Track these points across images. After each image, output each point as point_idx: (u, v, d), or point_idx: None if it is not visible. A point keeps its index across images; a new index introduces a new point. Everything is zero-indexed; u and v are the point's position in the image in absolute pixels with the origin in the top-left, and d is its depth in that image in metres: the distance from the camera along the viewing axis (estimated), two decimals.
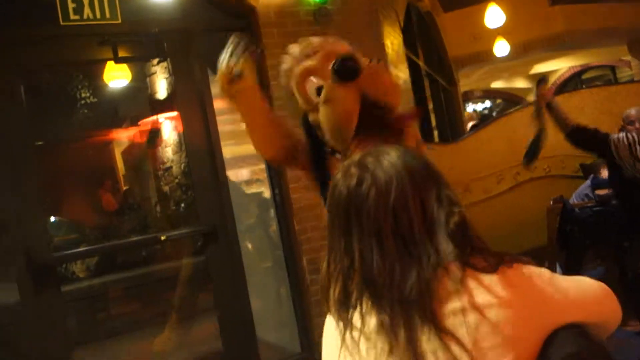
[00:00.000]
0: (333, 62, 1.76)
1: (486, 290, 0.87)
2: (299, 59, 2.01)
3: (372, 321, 0.92)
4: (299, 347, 3.94)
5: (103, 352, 4.79)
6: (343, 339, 0.95)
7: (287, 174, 3.82)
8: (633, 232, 3.18)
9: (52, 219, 5.84)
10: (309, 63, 1.93)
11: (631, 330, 3.12)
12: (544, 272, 0.93)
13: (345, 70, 1.73)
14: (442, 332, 0.86)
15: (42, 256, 3.21)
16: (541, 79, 3.51)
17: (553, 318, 0.87)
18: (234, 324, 3.71)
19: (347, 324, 0.96)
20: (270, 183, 4.00)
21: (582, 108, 5.28)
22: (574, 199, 4.46)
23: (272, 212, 4.07)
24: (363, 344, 0.92)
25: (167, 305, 4.63)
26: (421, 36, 7.02)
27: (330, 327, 1.02)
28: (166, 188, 5.97)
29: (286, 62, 2.04)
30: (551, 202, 4.43)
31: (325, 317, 3.20)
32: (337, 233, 0.99)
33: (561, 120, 3.28)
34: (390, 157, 0.98)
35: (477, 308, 0.86)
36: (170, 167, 5.83)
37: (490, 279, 0.89)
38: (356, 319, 0.95)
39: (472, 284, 0.89)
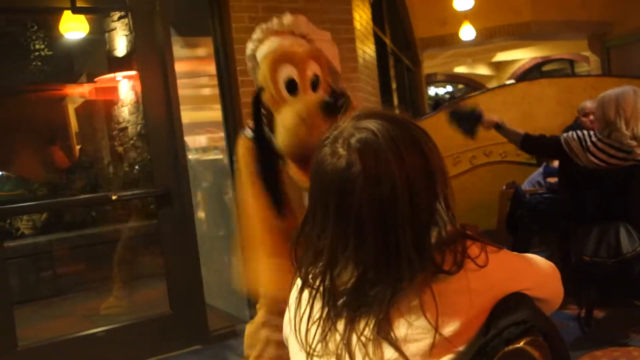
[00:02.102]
0: (325, 98, 1.84)
1: (447, 298, 0.84)
2: (270, 32, 1.98)
3: (316, 307, 0.91)
4: (248, 315, 3.95)
5: (46, 311, 4.70)
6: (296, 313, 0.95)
7: None
8: (578, 220, 3.28)
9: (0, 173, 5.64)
10: (290, 48, 1.92)
11: (570, 314, 3.24)
12: (504, 251, 0.94)
13: (334, 109, 1.78)
14: (385, 340, 0.83)
15: None
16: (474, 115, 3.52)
17: (502, 287, 0.88)
18: (183, 289, 3.68)
19: (299, 302, 0.95)
20: (228, 151, 3.95)
21: (540, 98, 5.39)
22: (526, 185, 4.57)
23: (228, 180, 4.02)
24: (306, 326, 0.92)
25: (115, 267, 4.55)
26: (389, 14, 7.00)
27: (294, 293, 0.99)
28: (120, 149, 5.83)
29: (257, 33, 2.01)
30: (504, 187, 4.53)
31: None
32: (316, 207, 0.91)
33: (512, 136, 3.39)
34: (383, 139, 0.87)
35: (434, 328, 0.82)
36: (126, 128, 5.69)
37: (454, 280, 0.85)
38: (305, 299, 0.93)
39: (438, 290, 0.85)
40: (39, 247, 5.32)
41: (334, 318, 0.88)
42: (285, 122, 1.85)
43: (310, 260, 0.92)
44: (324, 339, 0.89)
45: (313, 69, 1.93)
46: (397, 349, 0.82)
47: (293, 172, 1.92)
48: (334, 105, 1.81)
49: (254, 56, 2.01)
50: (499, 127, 3.40)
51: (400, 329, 0.83)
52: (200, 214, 4.41)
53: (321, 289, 0.90)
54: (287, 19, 1.99)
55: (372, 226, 0.85)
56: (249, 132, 2.03)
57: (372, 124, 0.88)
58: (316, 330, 0.90)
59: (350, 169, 0.86)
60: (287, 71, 1.89)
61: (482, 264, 0.87)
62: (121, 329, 3.57)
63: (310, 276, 0.93)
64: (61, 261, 5.62)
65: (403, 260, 0.84)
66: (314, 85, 1.93)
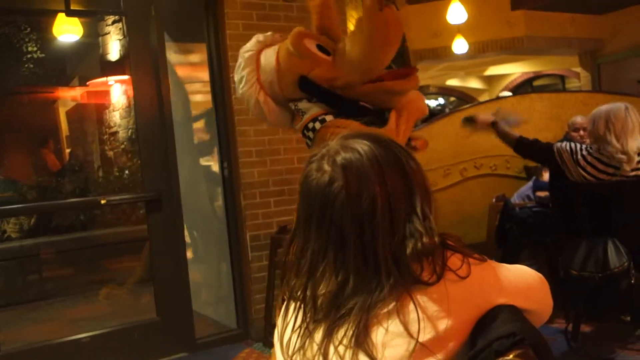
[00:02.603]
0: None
1: (426, 306, 0.85)
2: (252, 56, 2.05)
3: (300, 318, 0.93)
4: (235, 323, 3.93)
5: (31, 314, 4.65)
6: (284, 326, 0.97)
7: (237, 148, 3.77)
8: (567, 234, 3.30)
9: None
10: (300, 28, 2.01)
11: (557, 328, 3.25)
12: (489, 262, 0.95)
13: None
14: (362, 350, 0.84)
15: None
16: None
17: (486, 297, 0.89)
18: (171, 295, 3.66)
19: (285, 314, 0.97)
20: (219, 157, 3.94)
21: (531, 112, 5.42)
22: (515, 199, 4.59)
23: (219, 186, 4.01)
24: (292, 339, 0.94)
25: (103, 272, 4.52)
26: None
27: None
28: (111, 153, 5.80)
29: (243, 60, 2.07)
30: (494, 200, 4.55)
31: (263, 295, 3.15)
32: (300, 221, 0.96)
33: (507, 137, 3.42)
34: (367, 158, 0.91)
35: (410, 336, 0.83)
36: (117, 132, 5.67)
37: (431, 296, 0.86)
38: (291, 311, 0.95)
39: (417, 300, 0.86)
40: (26, 250, 5.26)
41: (312, 327, 0.90)
42: (355, 49, 1.92)
43: (295, 273, 0.95)
44: (301, 347, 0.90)
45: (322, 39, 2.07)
46: (371, 357, 0.83)
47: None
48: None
49: (258, 82, 2.06)
50: (494, 124, 3.43)
51: (378, 336, 0.84)
52: (190, 218, 4.39)
53: (303, 299, 0.93)
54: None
55: (351, 238, 0.88)
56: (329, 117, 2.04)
57: (357, 144, 0.93)
58: (296, 339, 0.92)
59: (332, 184, 0.90)
60: (312, 42, 1.98)
61: (464, 275, 0.88)
62: (106, 334, 3.53)
63: (294, 289, 0.95)
64: (48, 265, 5.57)
65: (382, 270, 0.87)
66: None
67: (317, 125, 2.04)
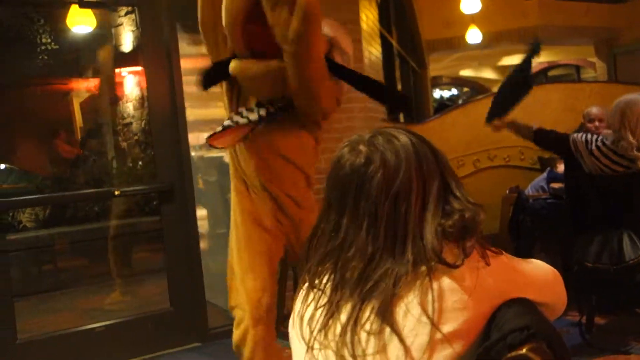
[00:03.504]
0: None
1: (447, 294, 0.86)
2: None
3: (322, 301, 0.94)
4: None
5: (47, 304, 4.70)
6: (307, 312, 0.96)
7: None
8: (581, 227, 3.28)
9: (2, 166, 5.65)
10: None
11: (571, 320, 3.23)
12: (505, 255, 0.96)
13: None
14: (388, 326, 0.85)
15: None
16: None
17: (502, 291, 0.89)
18: (184, 286, 3.68)
19: (305, 300, 0.97)
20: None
21: (546, 103, 5.37)
22: (529, 190, 4.56)
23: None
24: (319, 321, 0.93)
25: (117, 262, 4.55)
26: (396, 15, 6.99)
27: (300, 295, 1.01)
28: (124, 144, 5.83)
29: None
30: (507, 191, 4.52)
31: (275, 286, 3.13)
32: (331, 207, 0.97)
33: (524, 131, 3.40)
34: (402, 141, 0.96)
35: (432, 323, 0.84)
36: (130, 123, 5.69)
37: (455, 276, 0.88)
38: (312, 296, 0.96)
39: (439, 284, 0.87)
40: (41, 241, 5.32)
41: (337, 305, 0.91)
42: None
43: (320, 259, 0.97)
44: (324, 326, 0.91)
45: None
46: (399, 335, 0.84)
47: None
48: None
49: None
50: (510, 125, 3.41)
51: (400, 316, 0.86)
52: (202, 211, 4.41)
53: (329, 283, 0.94)
54: None
55: (385, 214, 0.91)
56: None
57: (393, 131, 0.98)
58: (319, 317, 0.93)
59: (369, 165, 0.94)
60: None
61: (483, 265, 0.89)
62: (121, 324, 3.57)
63: (317, 274, 0.97)
64: (63, 255, 5.63)
65: (409, 248, 0.89)
66: None
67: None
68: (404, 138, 0.96)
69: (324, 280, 0.95)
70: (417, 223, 0.91)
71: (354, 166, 0.95)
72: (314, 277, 0.97)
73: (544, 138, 3.36)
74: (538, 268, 1.01)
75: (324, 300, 0.94)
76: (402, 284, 0.87)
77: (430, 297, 0.85)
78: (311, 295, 0.97)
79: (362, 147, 0.96)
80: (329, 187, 0.99)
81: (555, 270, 1.04)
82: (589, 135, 3.18)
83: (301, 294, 1.00)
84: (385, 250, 0.90)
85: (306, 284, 0.99)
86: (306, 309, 0.97)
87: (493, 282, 0.88)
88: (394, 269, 0.88)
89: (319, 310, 0.93)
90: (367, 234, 0.92)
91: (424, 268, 0.88)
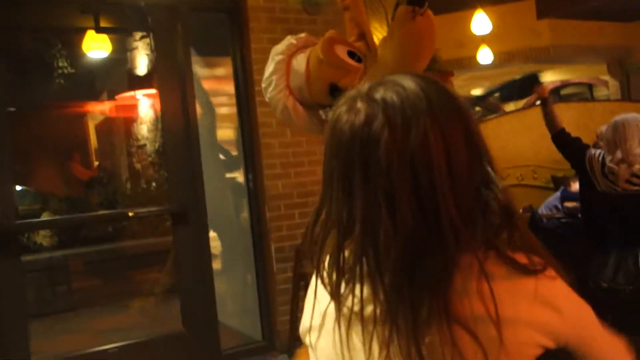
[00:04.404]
0: None
1: (517, 299, 0.72)
2: (282, 61, 2.02)
3: (367, 301, 0.74)
4: (260, 335, 3.93)
5: (61, 325, 4.72)
6: (336, 312, 0.78)
7: (262, 161, 3.80)
8: (596, 246, 3.24)
9: (19, 187, 5.72)
10: (332, 32, 1.97)
11: None
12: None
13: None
14: (456, 324, 0.70)
15: (4, 223, 3.14)
16: (534, 77, 3.54)
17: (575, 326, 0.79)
18: (197, 307, 3.68)
19: (338, 297, 0.77)
20: (245, 169, 3.97)
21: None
22: (543, 210, 4.53)
23: (244, 198, 4.04)
24: (354, 323, 0.75)
25: (130, 283, 4.57)
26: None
27: (315, 289, 0.83)
28: (138, 166, 5.89)
29: (272, 64, 2.04)
30: (521, 211, 4.49)
31: (288, 307, 3.13)
32: (336, 181, 0.76)
33: (551, 120, 3.35)
34: (408, 89, 0.75)
35: (497, 321, 0.70)
36: (145, 145, 5.76)
37: (527, 285, 0.73)
38: (347, 293, 0.76)
39: (502, 286, 0.71)
40: (55, 262, 5.36)
41: (396, 312, 0.71)
42: (393, 59, 1.90)
43: (338, 244, 0.76)
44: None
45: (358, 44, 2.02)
46: (469, 330, 0.69)
47: None
48: None
49: (286, 87, 2.03)
50: (545, 102, 3.38)
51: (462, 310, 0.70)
52: (216, 230, 4.43)
53: (357, 271, 0.75)
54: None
55: (404, 187, 0.70)
56: None
57: (397, 79, 0.77)
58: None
59: (372, 123, 0.73)
60: (343, 48, 1.95)
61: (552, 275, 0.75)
62: (133, 345, 3.57)
63: (346, 267, 0.77)
64: (76, 276, 5.67)
65: (446, 228, 0.70)
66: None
67: None
68: (410, 84, 0.75)
69: (349, 283, 0.76)
70: (447, 195, 0.70)
71: (354, 128, 0.74)
72: (331, 272, 0.77)
73: (564, 141, 3.31)
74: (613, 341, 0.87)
75: (348, 300, 0.76)
76: (450, 273, 0.71)
77: (487, 291, 0.70)
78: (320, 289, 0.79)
79: (359, 104, 0.75)
80: (328, 158, 0.78)
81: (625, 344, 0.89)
82: (605, 155, 3.15)
83: (312, 288, 0.83)
84: (417, 231, 0.70)
85: (324, 283, 0.80)
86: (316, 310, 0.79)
87: (559, 301, 0.75)
88: (435, 255, 0.70)
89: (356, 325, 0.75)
90: (390, 215, 0.70)
91: (470, 255, 0.71)
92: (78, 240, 5.51)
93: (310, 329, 0.84)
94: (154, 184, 5.54)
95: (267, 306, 3.88)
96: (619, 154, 2.96)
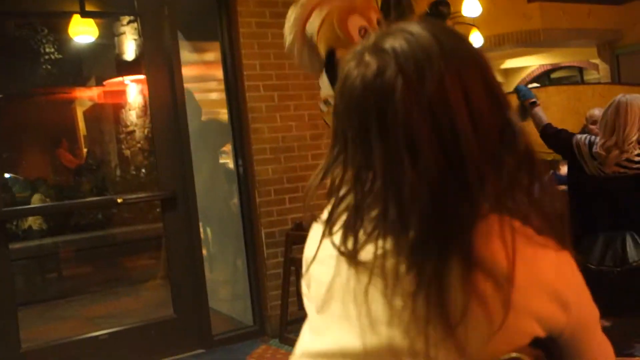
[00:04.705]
0: (429, 4, 1.79)
1: (532, 279, 0.70)
2: (307, 5, 1.97)
3: (391, 255, 0.70)
4: (252, 320, 3.95)
5: (51, 312, 4.71)
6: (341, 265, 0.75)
7: (251, 146, 3.78)
8: (585, 229, 3.26)
9: (7, 175, 5.68)
10: (349, 2, 1.91)
11: None
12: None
13: (439, 16, 1.77)
14: (480, 272, 0.67)
15: None
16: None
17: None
18: (187, 292, 3.69)
19: (356, 259, 0.73)
20: (234, 155, 3.96)
21: (548, 105, 5.36)
22: None
23: (234, 183, 4.03)
24: (376, 279, 0.71)
25: (120, 270, 4.57)
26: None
27: (317, 236, 0.79)
28: (127, 152, 5.86)
29: (295, 11, 2.00)
30: None
31: (279, 292, 3.12)
32: (351, 141, 0.73)
33: (537, 120, 3.37)
34: (417, 34, 0.71)
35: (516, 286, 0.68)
36: (133, 131, 5.72)
37: (545, 261, 0.72)
38: (368, 250, 0.72)
39: (526, 253, 0.70)
40: (45, 249, 5.34)
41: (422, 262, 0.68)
42: None
43: (357, 203, 0.73)
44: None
45: (377, 15, 1.97)
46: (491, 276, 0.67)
47: None
48: (437, 12, 1.79)
49: (302, 34, 1.99)
50: (532, 103, 3.39)
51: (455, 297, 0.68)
52: (206, 216, 4.42)
53: (379, 227, 0.71)
54: None
55: (425, 136, 0.67)
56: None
57: (406, 26, 0.74)
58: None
59: (384, 74, 0.70)
60: (357, 21, 1.90)
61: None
62: (124, 332, 3.57)
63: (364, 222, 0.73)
64: (67, 263, 5.65)
65: (471, 172, 0.68)
66: None
67: (323, 107, 2.00)
68: (418, 30, 0.72)
69: (369, 237, 0.72)
70: (471, 141, 0.68)
71: (366, 81, 0.71)
72: (348, 228, 0.73)
73: (550, 136, 3.33)
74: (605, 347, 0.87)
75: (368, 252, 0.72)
76: (477, 226, 0.68)
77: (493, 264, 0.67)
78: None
79: (368, 57, 0.72)
80: (340, 117, 0.74)
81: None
82: (592, 137, 3.17)
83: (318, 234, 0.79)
84: (444, 180, 0.67)
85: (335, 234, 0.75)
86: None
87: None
88: (464, 207, 0.68)
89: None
90: (413, 167, 0.67)
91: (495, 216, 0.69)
92: (68, 228, 5.49)
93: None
94: (143, 170, 5.51)
95: (257, 291, 3.89)
96: (613, 140, 2.96)
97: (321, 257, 0.79)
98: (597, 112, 4.47)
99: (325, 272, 0.77)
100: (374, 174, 0.71)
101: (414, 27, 0.73)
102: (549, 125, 3.32)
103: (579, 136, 3.21)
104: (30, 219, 5.23)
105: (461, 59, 0.71)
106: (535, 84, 10.70)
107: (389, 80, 0.69)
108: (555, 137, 3.31)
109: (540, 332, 0.72)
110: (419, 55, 0.69)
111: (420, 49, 0.70)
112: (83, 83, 6.62)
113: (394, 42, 0.72)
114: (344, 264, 0.75)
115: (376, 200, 0.71)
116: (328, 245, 0.77)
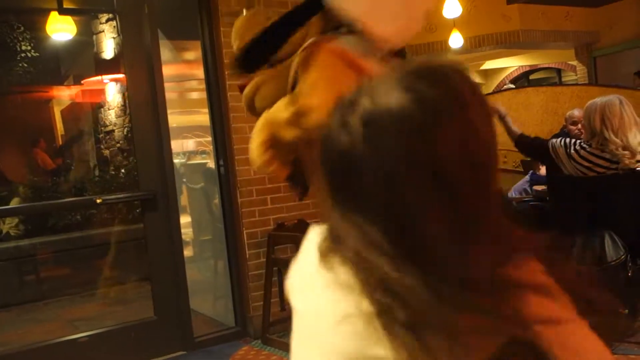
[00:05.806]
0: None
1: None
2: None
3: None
4: (234, 321, 3.92)
5: (29, 315, 4.64)
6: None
7: (232, 146, 3.76)
8: (564, 229, 3.30)
9: None
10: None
11: None
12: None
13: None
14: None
15: None
16: None
17: None
18: (168, 294, 3.65)
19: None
20: (215, 154, 3.93)
21: (527, 106, 5.42)
22: (512, 193, 4.59)
23: (215, 184, 4.00)
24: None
25: (100, 272, 4.51)
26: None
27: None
28: (106, 152, 5.78)
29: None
30: None
31: (261, 292, 3.11)
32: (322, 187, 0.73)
33: (510, 132, 3.43)
34: (395, 114, 0.67)
35: None
36: (112, 131, 5.65)
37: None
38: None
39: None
40: (22, 251, 5.25)
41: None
42: None
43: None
44: None
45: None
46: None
47: None
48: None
49: None
50: (502, 118, 3.43)
51: None
52: (187, 218, 4.38)
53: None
54: None
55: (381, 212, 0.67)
56: None
57: (381, 92, 0.70)
58: None
59: (354, 149, 0.69)
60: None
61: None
62: (104, 334, 3.52)
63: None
64: (44, 265, 5.56)
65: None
66: None
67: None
68: (395, 100, 0.67)
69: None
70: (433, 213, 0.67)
71: (338, 147, 0.70)
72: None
73: (525, 145, 3.41)
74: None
75: None
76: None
77: None
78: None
79: (350, 119, 0.70)
80: (321, 171, 0.74)
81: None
82: (567, 140, 3.21)
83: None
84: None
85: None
86: None
87: None
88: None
89: None
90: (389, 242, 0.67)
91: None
92: (46, 229, 5.40)
93: None
94: (122, 170, 5.45)
95: (239, 292, 3.87)
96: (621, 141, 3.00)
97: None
98: (576, 112, 4.53)
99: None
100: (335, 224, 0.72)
101: (394, 93, 0.68)
102: (522, 135, 3.38)
103: (553, 140, 3.26)
104: (6, 225, 5.14)
105: (448, 141, 0.66)
106: (511, 85, 10.81)
107: (356, 158, 0.68)
108: (531, 145, 3.39)
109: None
110: (389, 131, 0.67)
111: (389, 115, 0.67)
112: (61, 82, 6.53)
113: (368, 110, 0.69)
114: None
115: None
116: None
